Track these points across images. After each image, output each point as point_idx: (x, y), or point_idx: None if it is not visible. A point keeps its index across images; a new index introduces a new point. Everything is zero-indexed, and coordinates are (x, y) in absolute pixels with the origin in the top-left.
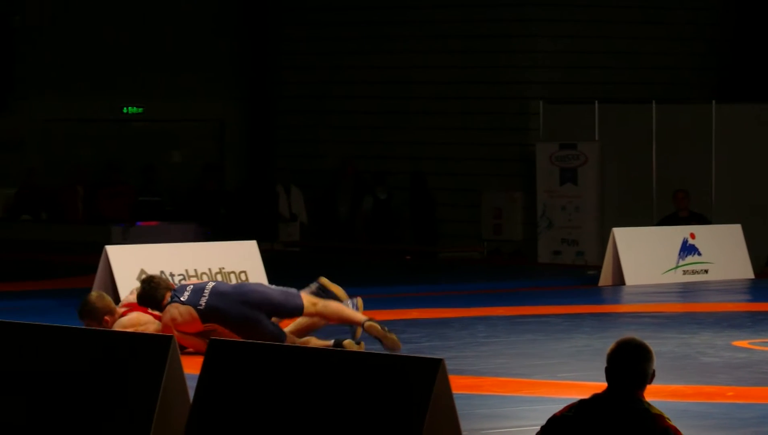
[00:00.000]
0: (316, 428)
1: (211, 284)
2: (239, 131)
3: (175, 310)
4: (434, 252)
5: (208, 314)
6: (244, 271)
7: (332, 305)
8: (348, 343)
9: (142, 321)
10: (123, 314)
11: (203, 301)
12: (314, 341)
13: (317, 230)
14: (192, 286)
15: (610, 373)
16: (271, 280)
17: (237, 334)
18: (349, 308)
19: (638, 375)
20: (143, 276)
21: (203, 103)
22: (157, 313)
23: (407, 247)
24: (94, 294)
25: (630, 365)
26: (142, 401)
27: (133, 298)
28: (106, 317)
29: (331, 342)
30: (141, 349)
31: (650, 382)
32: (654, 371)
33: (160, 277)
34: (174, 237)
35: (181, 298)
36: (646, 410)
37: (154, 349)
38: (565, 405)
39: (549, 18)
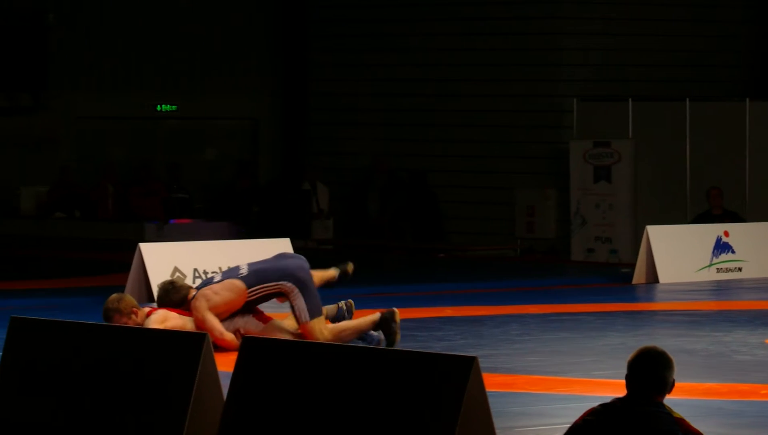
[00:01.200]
0: (349, 425)
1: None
2: (273, 129)
3: (208, 291)
4: (467, 250)
5: (253, 278)
6: None
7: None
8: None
9: (170, 316)
10: (149, 313)
11: (243, 270)
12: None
13: (350, 228)
14: (221, 272)
15: (630, 380)
16: None
17: (293, 286)
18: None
19: (658, 381)
20: (176, 274)
21: (236, 101)
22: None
23: (440, 245)
24: (114, 296)
25: (650, 371)
26: (176, 398)
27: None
28: (133, 316)
29: (377, 316)
30: (175, 346)
31: (669, 392)
32: (674, 381)
33: (180, 280)
34: (207, 235)
35: (214, 281)
36: (668, 414)
37: (189, 347)
38: (586, 410)
39: (583, 16)
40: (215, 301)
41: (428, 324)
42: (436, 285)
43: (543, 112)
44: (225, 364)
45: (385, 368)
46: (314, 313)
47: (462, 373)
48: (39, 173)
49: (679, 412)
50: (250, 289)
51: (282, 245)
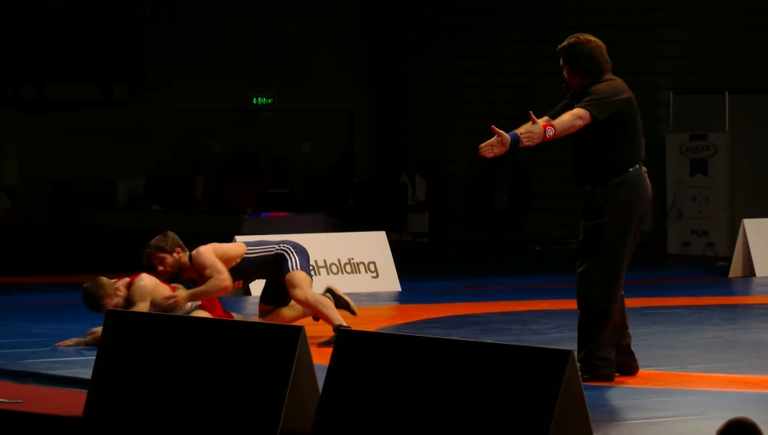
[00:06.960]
0: (444, 418)
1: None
2: (368, 121)
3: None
4: (564, 242)
5: (254, 243)
6: (373, 262)
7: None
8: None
9: (157, 283)
10: (130, 281)
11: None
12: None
13: (444, 221)
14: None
15: None
16: (399, 271)
17: (291, 248)
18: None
19: None
20: None
21: (332, 94)
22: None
23: (536, 238)
24: (89, 285)
25: None
26: (272, 391)
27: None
28: (118, 292)
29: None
30: (271, 338)
31: None
32: None
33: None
34: (303, 227)
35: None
36: None
37: (285, 339)
38: None
39: (679, 7)
40: (221, 250)
41: (523, 317)
42: (531, 278)
43: (639, 105)
44: (321, 358)
45: (482, 361)
46: (307, 270)
47: (558, 367)
48: (135, 166)
49: None
50: (249, 247)
51: (377, 238)
